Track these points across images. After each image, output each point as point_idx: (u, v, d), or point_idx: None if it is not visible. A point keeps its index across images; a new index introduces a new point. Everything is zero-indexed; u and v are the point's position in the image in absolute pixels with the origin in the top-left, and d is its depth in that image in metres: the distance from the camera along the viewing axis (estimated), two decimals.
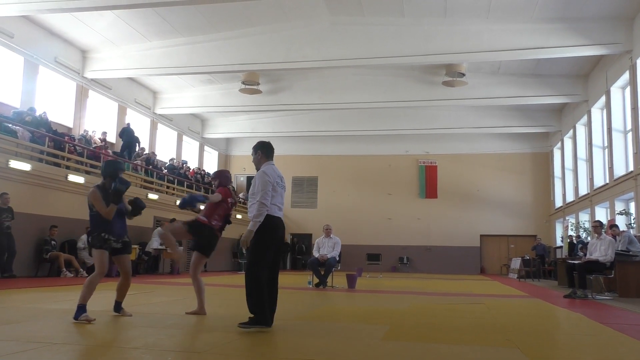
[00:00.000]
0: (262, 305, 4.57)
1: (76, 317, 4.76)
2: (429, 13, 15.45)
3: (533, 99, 19.92)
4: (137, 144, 18.80)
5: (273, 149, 5.15)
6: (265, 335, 4.41)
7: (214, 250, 5.83)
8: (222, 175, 6.14)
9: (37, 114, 14.29)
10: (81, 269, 12.93)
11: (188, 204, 5.82)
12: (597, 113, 18.80)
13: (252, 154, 5.11)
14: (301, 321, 5.52)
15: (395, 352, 3.91)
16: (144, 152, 19.35)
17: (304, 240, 27.94)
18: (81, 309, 4.80)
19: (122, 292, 5.45)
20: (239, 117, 25.72)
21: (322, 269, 11.30)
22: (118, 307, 5.40)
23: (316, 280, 11.37)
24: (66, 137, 15.12)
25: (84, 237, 13.21)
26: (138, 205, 5.43)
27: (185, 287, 10.43)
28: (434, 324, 5.63)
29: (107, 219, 5.09)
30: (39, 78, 15.93)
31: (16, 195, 11.75)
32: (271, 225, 4.77)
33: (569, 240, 19.36)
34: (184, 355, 3.54)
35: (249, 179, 28.87)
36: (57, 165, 13.59)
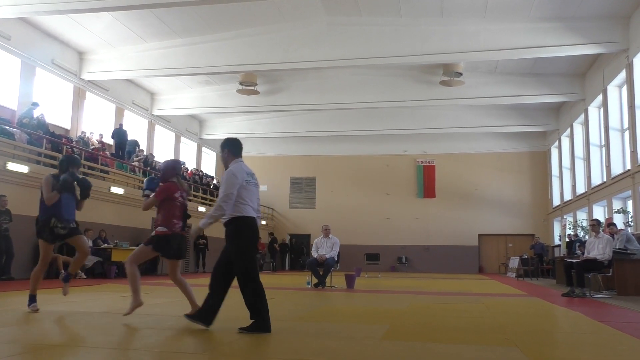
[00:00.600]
0: (263, 309, 4.48)
1: (28, 305, 5.54)
2: (425, 13, 15.48)
3: (530, 98, 19.96)
4: (136, 147, 18.79)
5: (241, 145, 4.89)
6: (264, 336, 4.41)
7: (185, 251, 5.68)
8: (165, 168, 5.36)
9: (35, 115, 14.28)
10: (80, 271, 12.90)
11: (149, 188, 5.64)
12: (594, 112, 18.85)
13: (220, 152, 4.92)
14: (300, 322, 5.52)
15: (394, 352, 3.91)
16: (142, 154, 19.34)
17: (303, 241, 27.95)
18: (32, 298, 5.56)
19: (76, 265, 6.03)
20: (237, 118, 25.71)
21: (321, 269, 11.29)
22: (68, 278, 5.95)
23: (315, 280, 11.37)
24: (64, 139, 15.10)
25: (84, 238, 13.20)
26: (84, 185, 5.78)
27: None
28: (433, 324, 5.64)
29: (52, 204, 5.56)
30: (36, 80, 15.91)
31: (14, 198, 11.72)
32: (249, 225, 4.61)
33: (567, 240, 19.40)
34: (184, 356, 3.54)
35: None
36: (55, 167, 13.54)
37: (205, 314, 4.61)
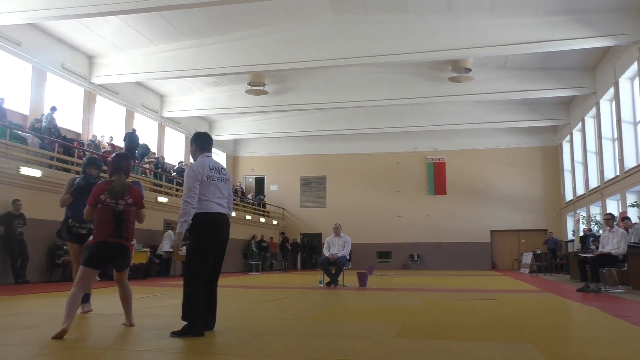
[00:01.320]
0: (196, 313, 4.27)
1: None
2: (432, 9, 15.40)
3: (541, 92, 19.81)
4: (149, 151, 18.91)
5: (210, 139, 4.79)
6: (277, 335, 4.41)
7: (118, 260, 4.73)
8: (108, 164, 4.87)
9: (52, 118, 14.47)
10: None
11: None
12: (606, 105, 18.66)
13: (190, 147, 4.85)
14: (313, 321, 5.51)
15: (408, 350, 3.90)
16: (154, 156, 19.45)
17: (314, 240, 27.96)
18: (84, 298, 5.38)
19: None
20: (246, 119, 25.77)
21: (333, 268, 11.29)
22: (86, 298, 5.74)
23: (327, 279, 11.36)
24: (75, 143, 15.22)
25: None
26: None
27: None
28: (447, 321, 5.61)
29: (70, 206, 5.62)
30: (47, 85, 16.05)
31: (28, 202, 11.85)
32: (209, 222, 4.42)
33: (581, 235, 19.23)
34: (197, 357, 3.55)
35: (258, 180, 28.96)
36: (67, 170, 13.68)
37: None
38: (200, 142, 4.71)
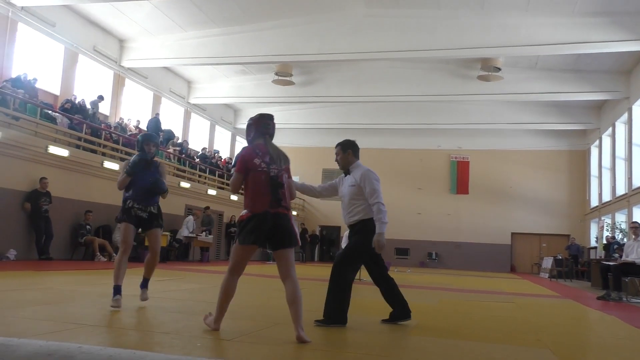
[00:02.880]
0: (339, 315, 4.52)
1: (112, 299, 4.79)
2: (465, 5, 15.19)
3: (571, 95, 19.45)
4: (173, 135, 19.13)
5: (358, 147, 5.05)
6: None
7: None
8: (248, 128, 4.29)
9: (77, 100, 14.72)
10: (114, 254, 13.24)
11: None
12: (638, 110, 18.22)
13: (341, 152, 4.94)
14: None
15: (423, 347, 3.89)
16: (178, 141, 19.64)
17: (333, 233, 28.00)
18: (116, 289, 4.82)
19: (148, 269, 5.30)
20: (272, 108, 25.78)
21: None
22: (144, 283, 5.26)
23: None
24: (103, 125, 15.47)
25: None
26: (158, 187, 5.19)
27: (215, 274, 10.59)
28: (463, 321, 5.57)
29: (128, 187, 5.07)
30: (78, 66, 16.31)
31: (54, 180, 12.10)
32: (371, 229, 4.68)
33: (605, 242, 18.87)
34: (214, 341, 3.59)
35: None
36: (94, 152, 13.92)
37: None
38: (355, 150, 4.92)
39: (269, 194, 3.79)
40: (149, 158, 5.22)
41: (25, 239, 11.63)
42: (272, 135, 4.11)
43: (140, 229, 5.17)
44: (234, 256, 3.92)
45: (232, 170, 4.08)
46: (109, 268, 9.80)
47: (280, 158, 3.99)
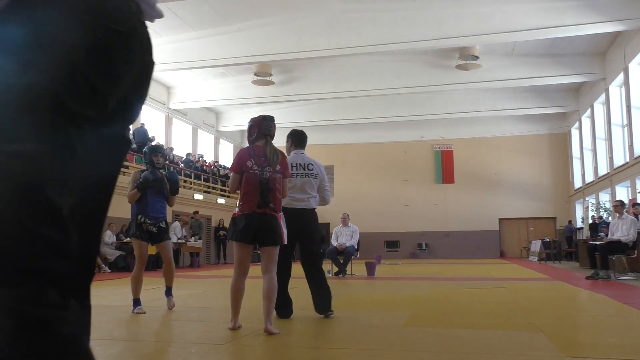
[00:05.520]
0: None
1: (133, 310, 5.09)
2: None
3: (549, 79, 19.64)
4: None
5: (304, 136, 5.21)
6: (286, 324, 4.43)
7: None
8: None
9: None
10: (103, 265, 13.12)
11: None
12: (615, 91, 18.48)
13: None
14: None
15: (417, 338, 3.91)
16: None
17: (322, 230, 28.00)
18: (135, 302, 5.13)
19: (167, 278, 5.55)
20: (253, 109, 25.65)
21: (341, 257, 11.33)
22: (168, 291, 5.51)
23: (335, 269, 11.41)
24: None
25: (109, 232, 13.48)
26: (171, 180, 5.51)
27: (206, 280, 10.54)
28: (455, 309, 5.62)
29: (138, 201, 5.31)
30: None
31: None
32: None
33: (590, 222, 19.14)
34: (208, 347, 3.58)
35: None
36: None
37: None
38: (295, 139, 5.06)
39: (257, 196, 3.92)
40: (159, 175, 5.42)
41: None
42: (273, 137, 4.27)
43: (150, 242, 5.45)
44: (234, 255, 4.13)
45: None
46: (98, 280, 9.70)
47: (276, 160, 4.11)
